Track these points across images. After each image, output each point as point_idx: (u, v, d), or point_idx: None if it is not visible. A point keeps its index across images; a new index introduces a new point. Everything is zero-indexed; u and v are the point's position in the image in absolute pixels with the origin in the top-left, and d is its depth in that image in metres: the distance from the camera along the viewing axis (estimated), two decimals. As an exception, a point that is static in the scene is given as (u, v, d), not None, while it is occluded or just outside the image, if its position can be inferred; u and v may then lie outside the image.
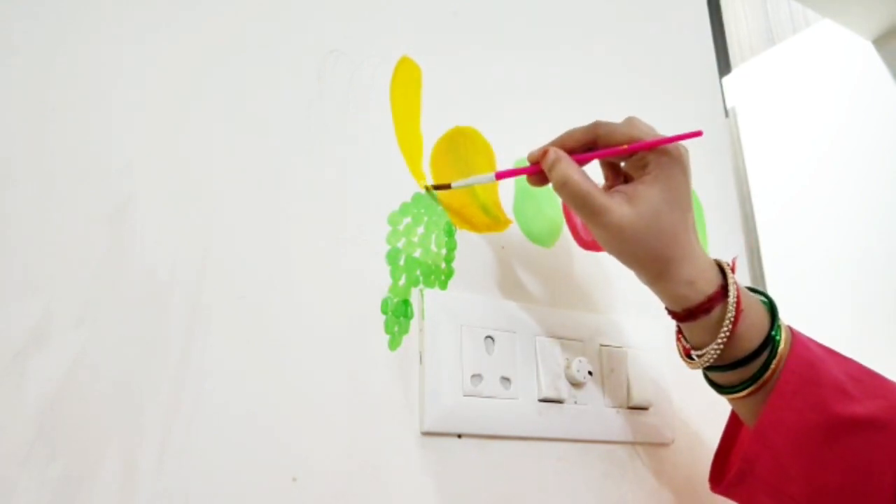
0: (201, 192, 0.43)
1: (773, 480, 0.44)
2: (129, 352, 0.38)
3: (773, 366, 0.44)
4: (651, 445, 0.57)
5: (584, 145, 0.47)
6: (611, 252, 0.46)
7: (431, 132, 0.54)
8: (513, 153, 0.57)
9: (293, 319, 0.44)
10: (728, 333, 0.43)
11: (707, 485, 0.51)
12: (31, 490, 0.34)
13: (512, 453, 0.49)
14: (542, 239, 0.57)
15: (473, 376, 0.48)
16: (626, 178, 0.48)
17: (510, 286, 0.54)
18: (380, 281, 0.48)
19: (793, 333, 0.46)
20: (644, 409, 0.56)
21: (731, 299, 0.44)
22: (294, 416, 0.42)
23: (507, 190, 0.57)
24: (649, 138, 0.45)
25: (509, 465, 0.49)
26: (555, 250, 0.58)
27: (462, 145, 0.55)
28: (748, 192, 1.04)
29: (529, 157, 0.47)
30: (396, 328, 0.47)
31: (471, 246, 0.53)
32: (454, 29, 0.58)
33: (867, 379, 0.46)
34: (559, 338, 0.54)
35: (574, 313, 0.56)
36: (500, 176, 0.49)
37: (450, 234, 0.52)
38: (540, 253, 0.57)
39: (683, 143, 0.46)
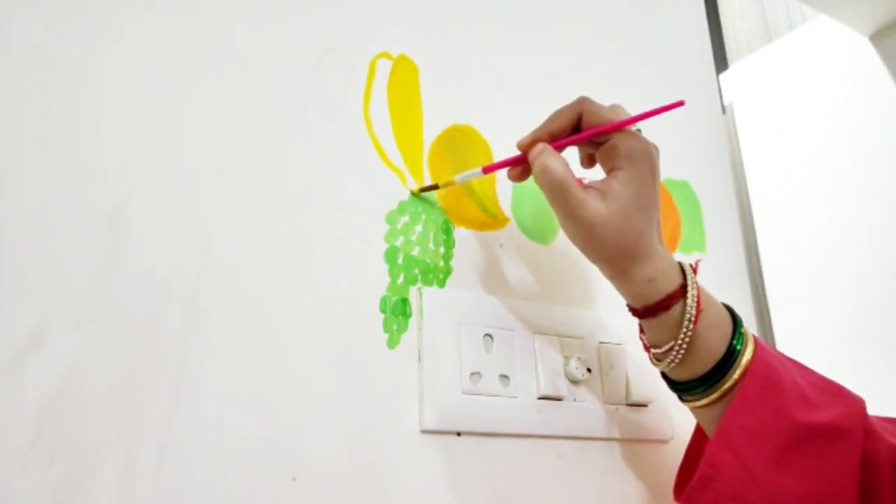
0: (198, 192, 0.43)
1: (736, 485, 0.43)
2: (127, 353, 0.38)
3: (734, 371, 0.44)
4: (650, 442, 0.57)
5: (570, 125, 0.47)
6: (577, 244, 0.46)
7: (429, 131, 0.54)
8: (511, 152, 0.57)
9: (291, 319, 0.44)
10: (689, 331, 0.44)
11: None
12: (30, 492, 0.34)
13: (511, 451, 0.49)
14: (540, 236, 0.57)
15: (472, 374, 0.48)
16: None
17: (509, 284, 0.54)
18: (378, 279, 0.48)
19: (756, 341, 0.46)
20: (643, 405, 0.56)
21: (691, 299, 0.44)
22: (293, 416, 0.42)
23: (505, 188, 0.57)
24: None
25: (509, 462, 0.49)
26: (553, 248, 0.58)
27: (460, 144, 0.55)
28: (746, 188, 1.04)
29: (519, 145, 0.48)
30: (395, 327, 0.47)
31: (469, 244, 0.53)
32: (451, 27, 0.58)
33: (826, 388, 0.46)
34: (558, 335, 0.54)
35: (572, 310, 0.56)
36: (488, 170, 0.49)
37: (448, 232, 0.52)
38: (538, 250, 0.57)
39: (652, 142, 0.46)
